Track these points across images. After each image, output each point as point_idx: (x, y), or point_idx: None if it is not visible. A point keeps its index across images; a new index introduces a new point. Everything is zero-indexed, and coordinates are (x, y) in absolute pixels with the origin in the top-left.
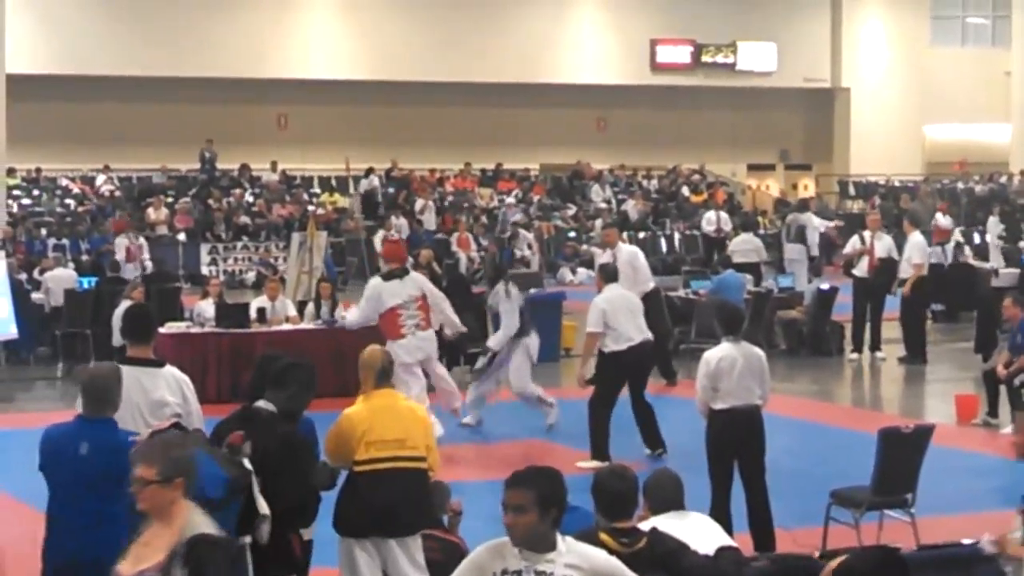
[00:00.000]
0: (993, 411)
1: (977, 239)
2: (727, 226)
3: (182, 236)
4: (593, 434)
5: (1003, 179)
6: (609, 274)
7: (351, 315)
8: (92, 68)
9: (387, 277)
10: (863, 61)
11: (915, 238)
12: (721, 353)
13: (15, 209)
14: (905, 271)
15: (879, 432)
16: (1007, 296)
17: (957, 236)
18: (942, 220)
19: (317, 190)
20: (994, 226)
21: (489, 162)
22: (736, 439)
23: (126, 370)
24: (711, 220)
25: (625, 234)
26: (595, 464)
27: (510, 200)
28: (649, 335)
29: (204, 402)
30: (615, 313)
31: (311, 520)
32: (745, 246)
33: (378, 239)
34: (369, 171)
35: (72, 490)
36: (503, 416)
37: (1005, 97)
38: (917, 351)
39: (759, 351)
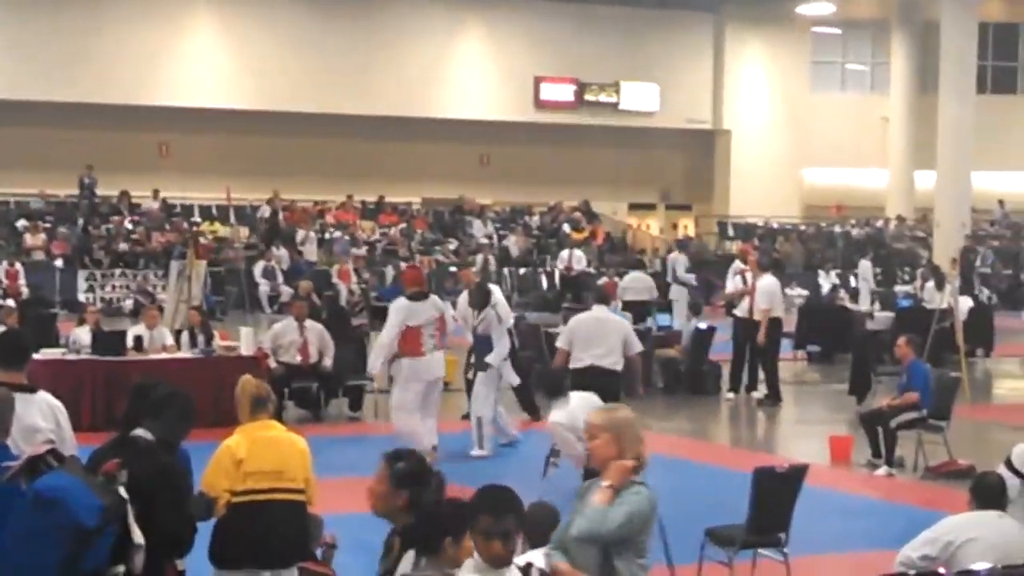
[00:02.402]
0: (876, 452)
1: (853, 282)
2: (579, 265)
3: (59, 262)
4: None
5: (879, 223)
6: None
7: (384, 334)
8: None
9: (412, 298)
10: (744, 104)
11: (763, 282)
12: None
13: None
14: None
15: (753, 471)
16: (880, 338)
17: (832, 279)
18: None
19: (198, 219)
20: (867, 270)
21: (371, 194)
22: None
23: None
24: (563, 259)
25: (506, 270)
26: None
27: (338, 234)
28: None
29: (78, 430)
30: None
31: (187, 550)
32: (636, 284)
33: (258, 269)
34: (270, 200)
35: None
36: (383, 447)
37: (882, 142)
38: (773, 391)
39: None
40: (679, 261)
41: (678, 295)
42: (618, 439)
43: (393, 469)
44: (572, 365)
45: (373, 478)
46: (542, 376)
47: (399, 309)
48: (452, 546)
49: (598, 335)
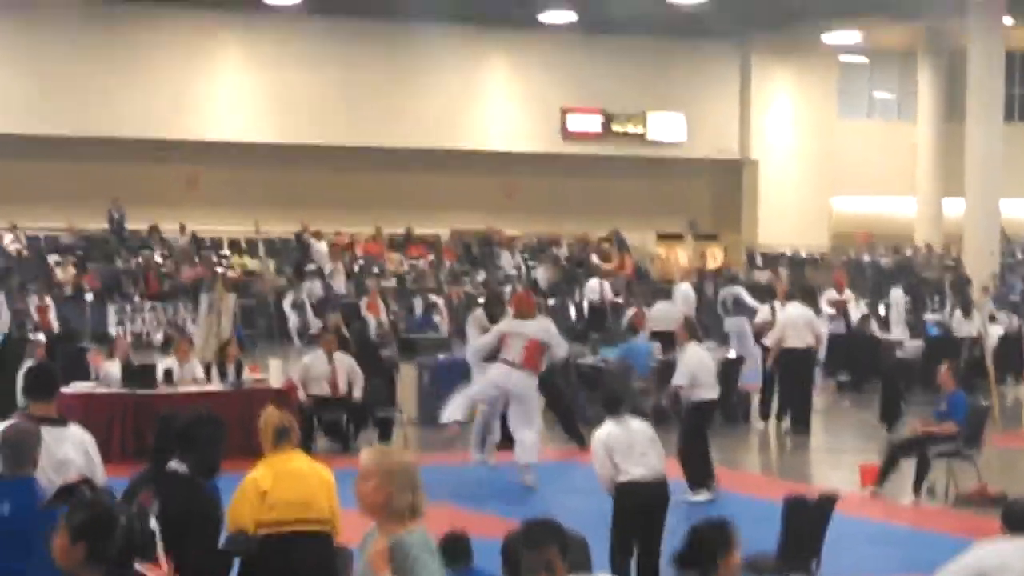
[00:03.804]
0: (881, 481)
1: (882, 311)
2: (609, 295)
3: (89, 296)
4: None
5: (908, 251)
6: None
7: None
8: (14, 127)
9: (517, 317)
10: (772, 133)
11: (790, 311)
12: (607, 431)
13: None
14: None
15: (784, 500)
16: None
17: (862, 308)
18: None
19: (227, 252)
20: (899, 299)
21: (399, 226)
22: (640, 511)
23: (30, 427)
24: (593, 289)
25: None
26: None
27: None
28: None
29: (108, 462)
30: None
31: None
32: (664, 314)
33: (287, 302)
34: (299, 234)
35: None
36: None
37: (910, 170)
38: (804, 419)
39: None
40: (737, 293)
41: (734, 327)
42: (387, 485)
43: (69, 521)
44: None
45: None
46: (604, 390)
47: (503, 321)
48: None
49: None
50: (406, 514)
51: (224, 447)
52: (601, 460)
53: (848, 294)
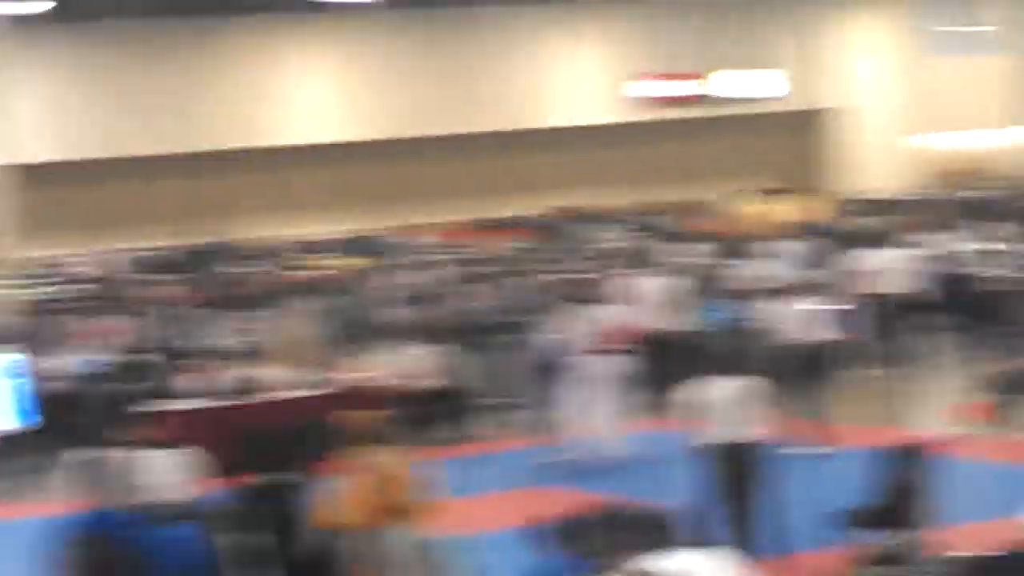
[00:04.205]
0: (997, 418)
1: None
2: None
3: (199, 310)
4: None
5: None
6: None
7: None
8: (96, 151)
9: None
10: (862, 79)
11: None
12: (693, 391)
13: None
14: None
15: (886, 450)
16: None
17: (968, 245)
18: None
19: (321, 254)
20: (1007, 233)
21: (494, 211)
22: (725, 474)
23: (130, 452)
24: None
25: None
26: None
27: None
28: None
29: (210, 477)
30: None
31: None
32: (765, 275)
33: (379, 297)
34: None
35: None
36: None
37: (1005, 104)
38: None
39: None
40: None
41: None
42: (380, 492)
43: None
44: None
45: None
46: (704, 351)
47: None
48: None
49: None
50: (402, 514)
51: (330, 449)
52: (687, 418)
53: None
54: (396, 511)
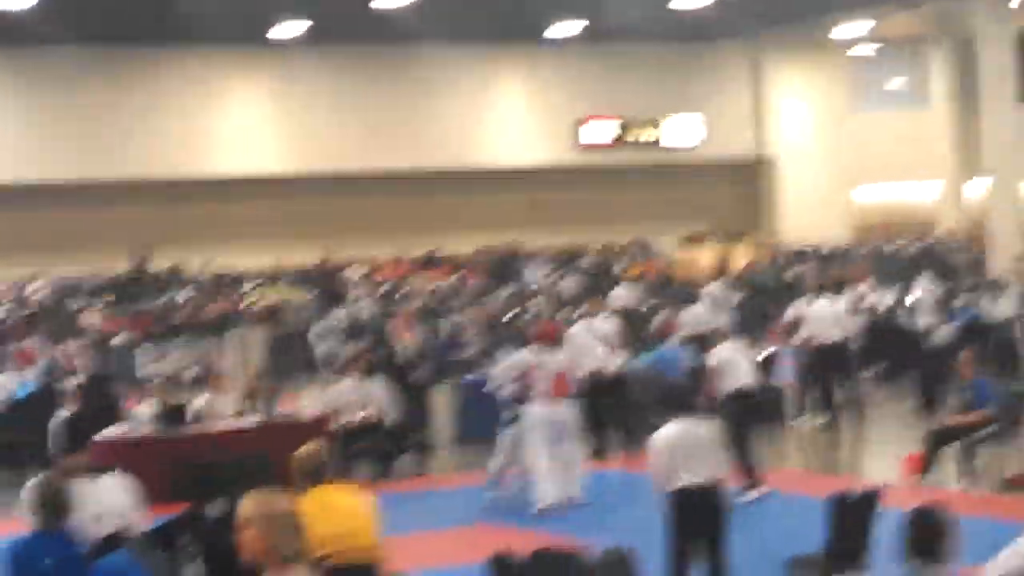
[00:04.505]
0: (925, 470)
1: (908, 300)
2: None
3: (118, 339)
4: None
5: (932, 239)
6: None
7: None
8: (17, 175)
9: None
10: (787, 130)
11: (818, 306)
12: (672, 431)
13: None
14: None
15: (828, 497)
16: (945, 353)
17: (889, 299)
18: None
19: (251, 285)
20: (926, 286)
21: (421, 249)
22: (697, 518)
23: (66, 477)
24: (619, 297)
25: (558, 312)
26: None
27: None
28: None
29: (146, 505)
30: None
31: None
32: (695, 319)
33: (315, 331)
34: (323, 261)
35: None
36: (451, 501)
37: (929, 157)
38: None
39: (712, 425)
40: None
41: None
42: (268, 533)
43: None
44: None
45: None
46: (671, 389)
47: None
48: None
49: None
50: (291, 560)
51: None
52: (660, 463)
53: (865, 287)
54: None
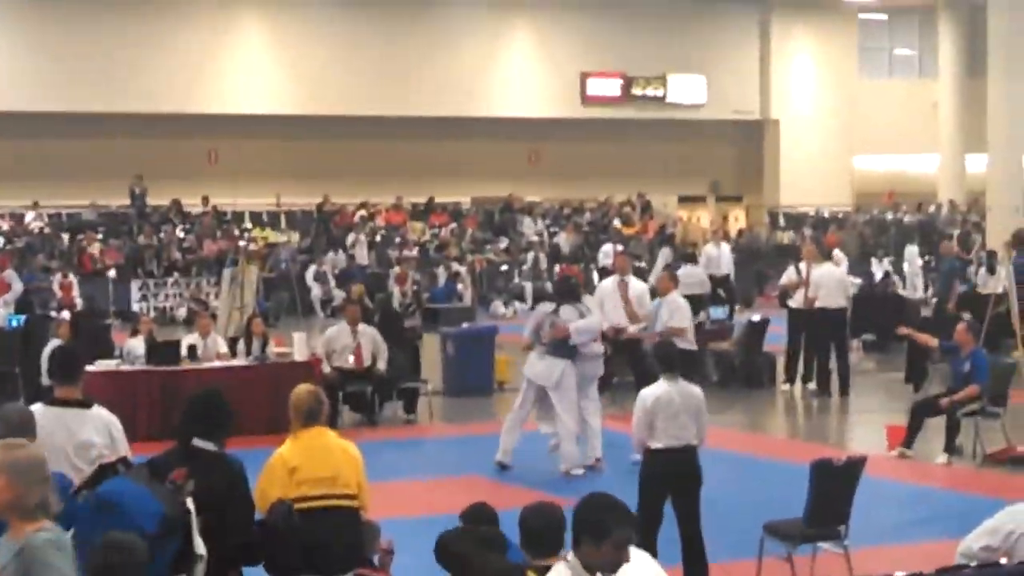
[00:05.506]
0: (909, 443)
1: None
2: (606, 260)
3: (112, 273)
4: None
5: (931, 209)
6: None
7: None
8: (19, 104)
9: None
10: (792, 93)
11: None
12: (658, 391)
13: None
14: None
15: (811, 464)
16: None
17: (885, 266)
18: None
19: (248, 225)
20: (913, 256)
21: (421, 196)
22: (670, 478)
23: (52, 411)
24: (608, 253)
25: (556, 266)
26: None
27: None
28: None
29: (133, 440)
30: None
31: (261, 558)
32: (690, 279)
33: (309, 274)
34: (320, 205)
35: None
36: (439, 451)
37: (933, 128)
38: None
39: (697, 389)
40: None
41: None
42: (15, 482)
43: (92, 560)
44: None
45: None
46: (658, 346)
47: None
48: None
49: None
50: (37, 512)
51: (230, 422)
52: (641, 422)
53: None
54: (337, 488)
